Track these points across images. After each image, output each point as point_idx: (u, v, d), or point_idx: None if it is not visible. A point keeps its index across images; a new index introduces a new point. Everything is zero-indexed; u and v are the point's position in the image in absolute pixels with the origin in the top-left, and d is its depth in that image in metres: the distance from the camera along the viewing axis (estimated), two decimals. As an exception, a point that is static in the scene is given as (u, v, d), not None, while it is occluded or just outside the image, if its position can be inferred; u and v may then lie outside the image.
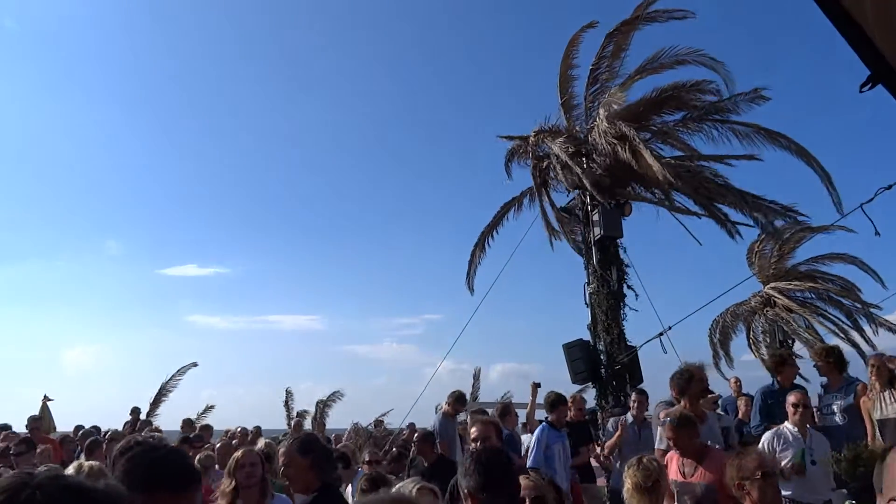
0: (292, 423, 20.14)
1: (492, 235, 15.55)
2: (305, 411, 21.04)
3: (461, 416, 10.21)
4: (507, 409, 8.57)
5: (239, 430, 11.74)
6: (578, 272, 14.12)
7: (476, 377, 23.58)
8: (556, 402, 7.49)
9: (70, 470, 3.49)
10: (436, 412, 21.22)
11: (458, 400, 9.64)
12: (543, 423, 7.36)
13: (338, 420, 22.00)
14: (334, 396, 21.64)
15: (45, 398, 14.21)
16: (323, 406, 21.39)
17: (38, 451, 7.91)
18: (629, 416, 7.85)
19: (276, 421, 21.58)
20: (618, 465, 7.24)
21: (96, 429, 11.96)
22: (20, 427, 11.65)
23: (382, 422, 19.15)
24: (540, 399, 8.99)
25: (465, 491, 2.76)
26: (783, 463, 5.41)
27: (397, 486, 3.38)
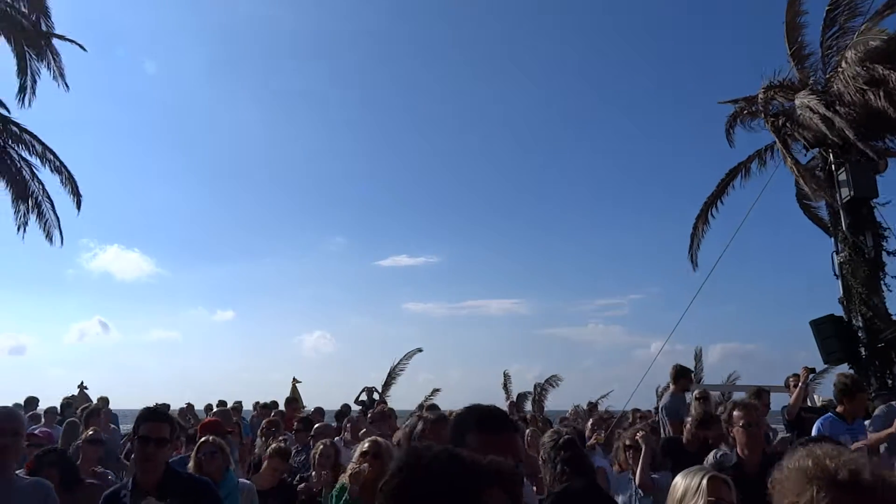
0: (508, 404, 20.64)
1: (715, 206, 14.43)
2: (527, 392, 21.33)
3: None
4: (759, 393, 7.77)
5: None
6: (811, 243, 12.59)
7: (697, 358, 22.27)
8: (851, 388, 6.28)
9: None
10: (656, 394, 20.39)
11: (681, 373, 8.86)
12: (829, 414, 6.45)
13: (552, 402, 22.12)
14: (552, 380, 21.78)
15: (295, 380, 15.89)
16: (540, 389, 21.57)
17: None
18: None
19: (496, 402, 22.10)
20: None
21: (347, 407, 13.17)
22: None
23: (597, 405, 18.87)
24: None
25: None
26: None
27: (684, 474, 3.12)
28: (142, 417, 3.68)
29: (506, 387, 22.11)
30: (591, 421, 9.86)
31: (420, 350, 21.76)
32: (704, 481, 2.90)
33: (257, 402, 14.38)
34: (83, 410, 10.93)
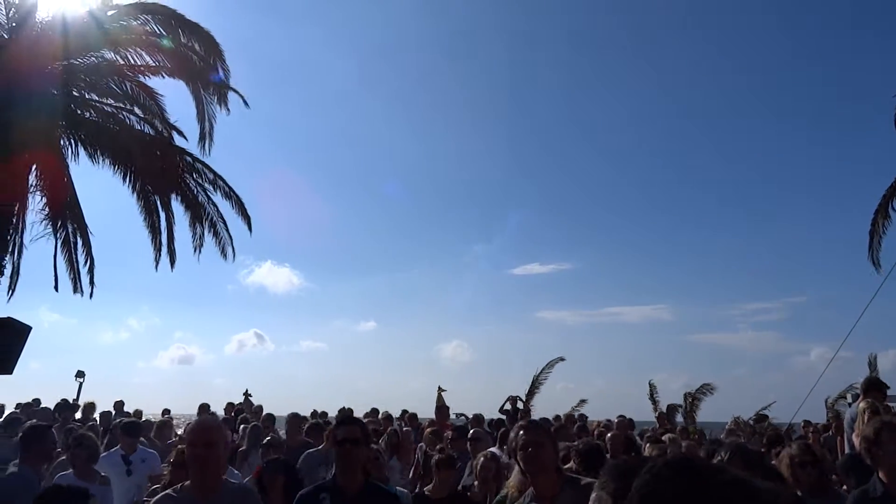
0: (657, 415, 19.73)
1: (896, 199, 12.97)
2: (676, 404, 20.33)
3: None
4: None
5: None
6: None
7: (871, 366, 20.17)
8: None
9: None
10: (826, 405, 18.65)
11: (873, 385, 7.88)
12: None
13: (704, 412, 20.91)
14: (704, 389, 20.62)
15: (440, 388, 16.05)
16: (692, 399, 20.49)
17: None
18: None
19: (642, 414, 21.33)
20: None
21: (481, 416, 13.17)
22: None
23: (767, 416, 17.59)
24: None
25: None
26: None
27: None
28: (338, 422, 3.91)
29: (652, 397, 21.22)
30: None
31: (562, 359, 21.48)
32: None
33: (404, 411, 14.70)
34: (253, 416, 11.81)
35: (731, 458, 3.57)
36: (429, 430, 9.50)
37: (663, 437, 8.49)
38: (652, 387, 21.36)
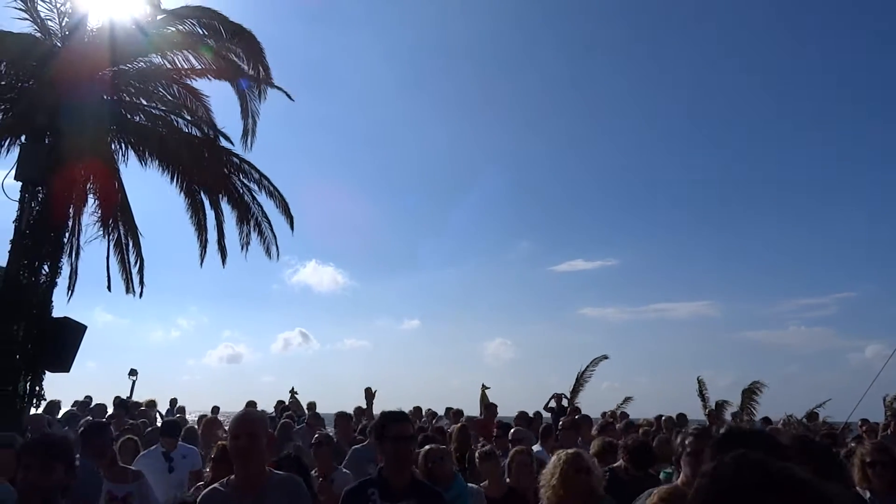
0: (707, 413, 19.30)
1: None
2: (725, 401, 19.86)
3: None
4: None
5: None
6: None
7: (936, 362, 19.32)
8: None
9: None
10: (884, 403, 17.99)
11: None
12: None
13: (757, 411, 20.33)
14: (754, 387, 20.07)
15: (484, 386, 16.03)
16: (748, 396, 19.99)
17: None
18: None
19: (689, 412, 20.86)
20: None
21: (538, 414, 13.08)
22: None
23: (817, 415, 17.06)
24: None
25: None
26: None
27: None
28: (390, 419, 3.82)
29: (702, 394, 20.75)
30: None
31: (606, 357, 21.21)
32: None
33: (449, 408, 14.67)
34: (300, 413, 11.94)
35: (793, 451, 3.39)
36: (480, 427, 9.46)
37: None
38: (701, 383, 20.91)
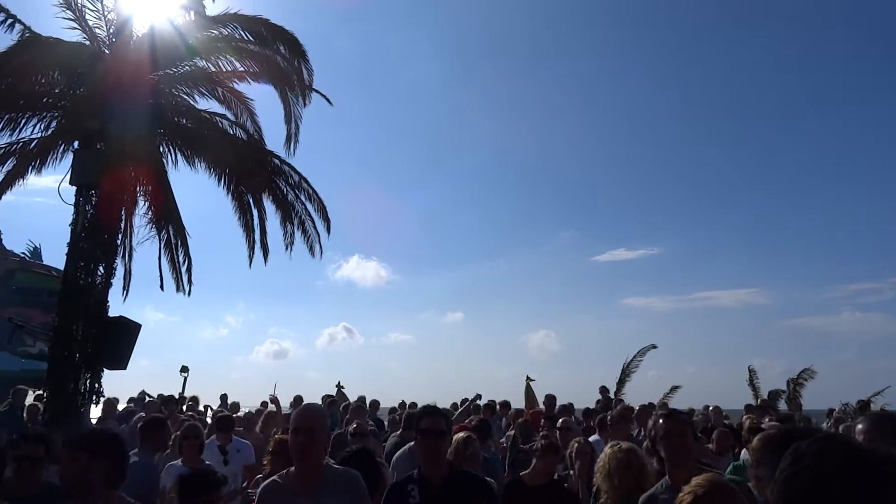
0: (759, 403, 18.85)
1: None
2: (779, 390, 19.39)
3: None
4: None
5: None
6: None
7: None
8: None
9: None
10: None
11: None
12: None
13: (807, 400, 19.82)
14: (805, 374, 19.56)
15: (528, 378, 15.97)
16: (794, 385, 19.48)
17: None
18: None
19: (737, 401, 20.44)
20: None
21: (571, 404, 12.94)
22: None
23: (869, 403, 16.53)
24: None
25: None
26: None
27: None
28: (423, 413, 3.90)
29: (752, 383, 20.26)
30: None
31: (654, 346, 20.84)
32: None
33: (491, 401, 14.62)
34: (345, 408, 12.06)
35: (872, 431, 3.27)
36: (528, 419, 9.43)
37: (762, 426, 8.04)
38: (752, 372, 20.45)
